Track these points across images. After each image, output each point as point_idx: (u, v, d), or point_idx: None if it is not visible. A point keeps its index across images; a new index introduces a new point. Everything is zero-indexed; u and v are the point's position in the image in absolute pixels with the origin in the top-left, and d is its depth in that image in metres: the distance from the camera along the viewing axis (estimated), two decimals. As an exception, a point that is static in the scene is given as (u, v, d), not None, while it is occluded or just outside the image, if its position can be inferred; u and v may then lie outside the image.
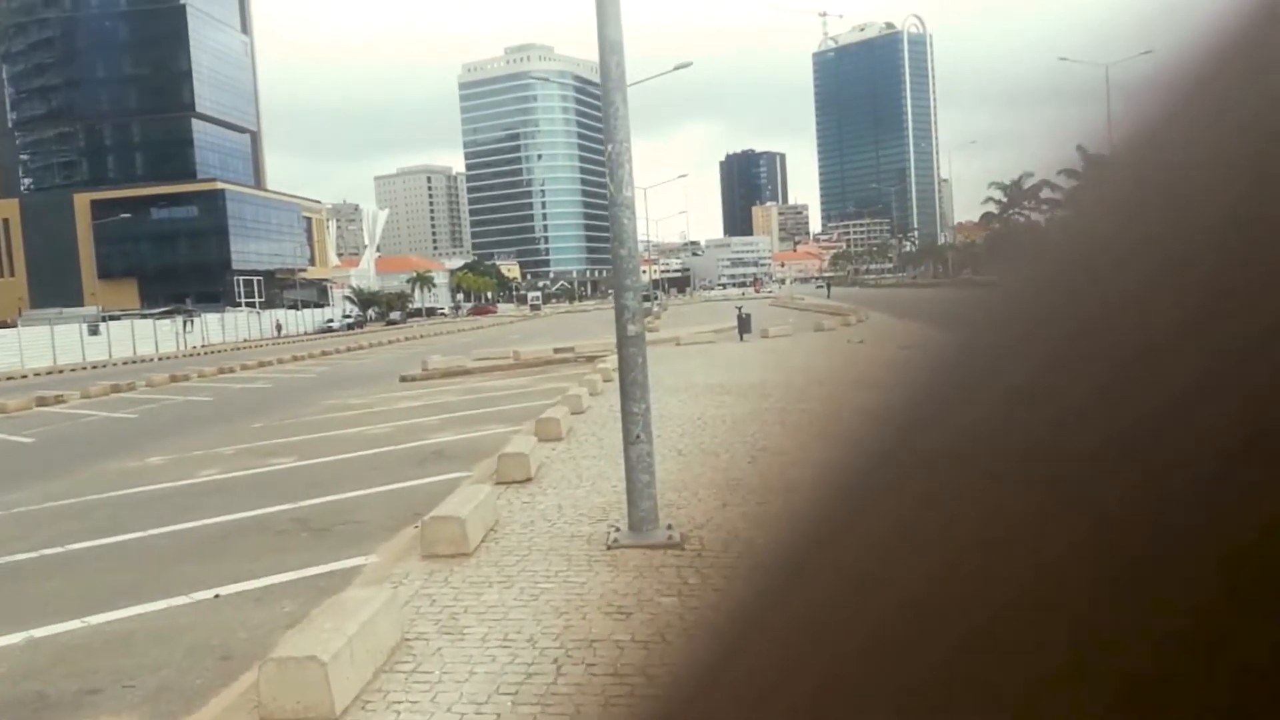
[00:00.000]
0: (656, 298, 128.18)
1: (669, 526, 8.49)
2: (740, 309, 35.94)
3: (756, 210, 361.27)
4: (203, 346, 69.97)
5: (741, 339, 33.78)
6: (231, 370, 40.39)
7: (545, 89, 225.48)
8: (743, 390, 19.00)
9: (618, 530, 8.63)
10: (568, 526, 9.21)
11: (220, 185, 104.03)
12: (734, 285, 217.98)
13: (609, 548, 8.27)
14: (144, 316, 72.28)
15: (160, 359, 56.74)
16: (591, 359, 28.85)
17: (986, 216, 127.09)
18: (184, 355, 60.85)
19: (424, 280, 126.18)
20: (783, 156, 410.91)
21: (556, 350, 33.20)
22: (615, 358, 27.12)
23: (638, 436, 8.30)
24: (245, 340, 78.81)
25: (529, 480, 11.32)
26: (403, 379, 28.99)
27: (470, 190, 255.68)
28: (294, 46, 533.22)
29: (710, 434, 13.77)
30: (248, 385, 32.82)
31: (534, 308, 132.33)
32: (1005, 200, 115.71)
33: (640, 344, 8.48)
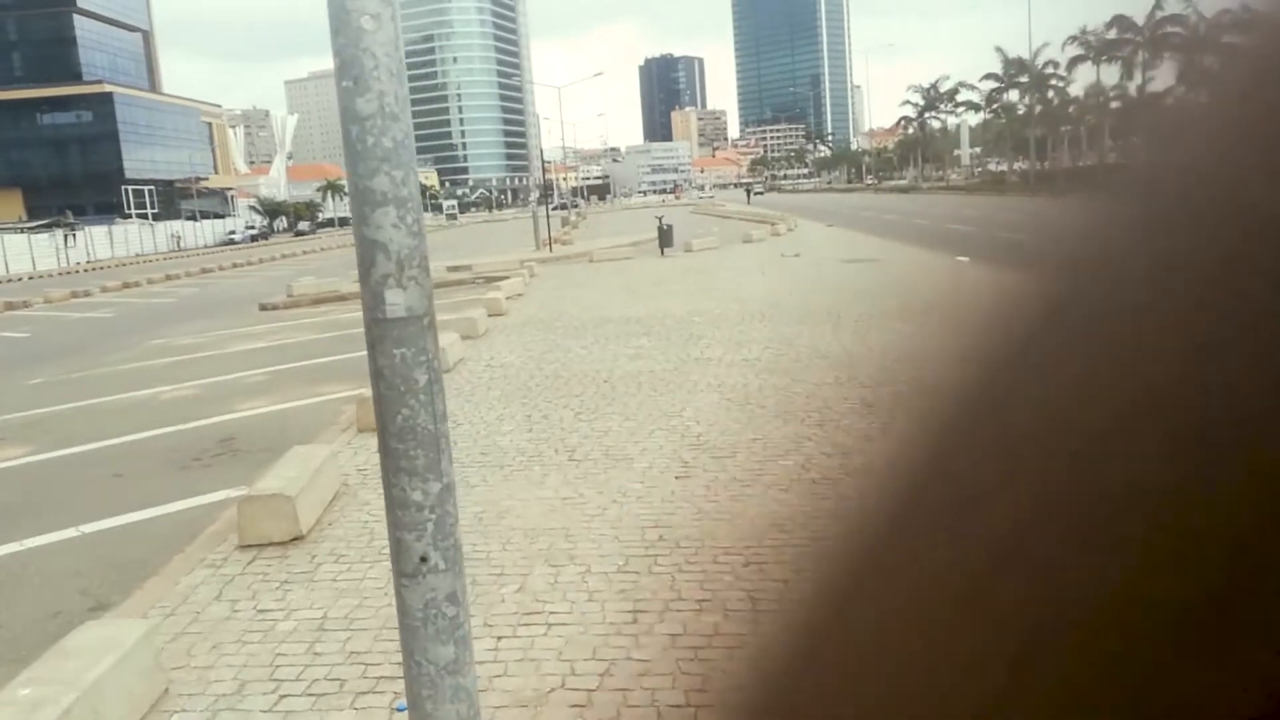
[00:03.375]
0: (576, 205, 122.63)
1: None
2: (661, 219, 31.06)
3: (676, 115, 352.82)
4: (88, 263, 63.25)
5: (663, 253, 28.99)
6: (87, 294, 34.62)
7: None
8: (667, 328, 14.36)
9: None
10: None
11: (109, 88, 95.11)
12: (655, 192, 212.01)
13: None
14: (19, 230, 65.19)
15: (35, 277, 50.36)
16: (491, 280, 23.98)
17: (903, 120, 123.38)
18: (62, 273, 54.42)
19: (335, 189, 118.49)
20: (701, 61, 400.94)
21: (451, 269, 28.18)
22: (516, 278, 22.27)
23: (422, 559, 3.41)
24: (138, 255, 72.06)
25: (297, 540, 6.44)
26: (262, 307, 23.86)
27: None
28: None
29: (618, 417, 9.12)
30: (87, 314, 27.36)
31: (450, 217, 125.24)
32: (922, 104, 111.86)
33: (424, 340, 3.38)
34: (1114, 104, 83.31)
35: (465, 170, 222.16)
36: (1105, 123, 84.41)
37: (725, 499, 6.51)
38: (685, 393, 9.90)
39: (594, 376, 11.00)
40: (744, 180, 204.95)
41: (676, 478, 7.04)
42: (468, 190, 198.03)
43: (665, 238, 29.48)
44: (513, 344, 13.88)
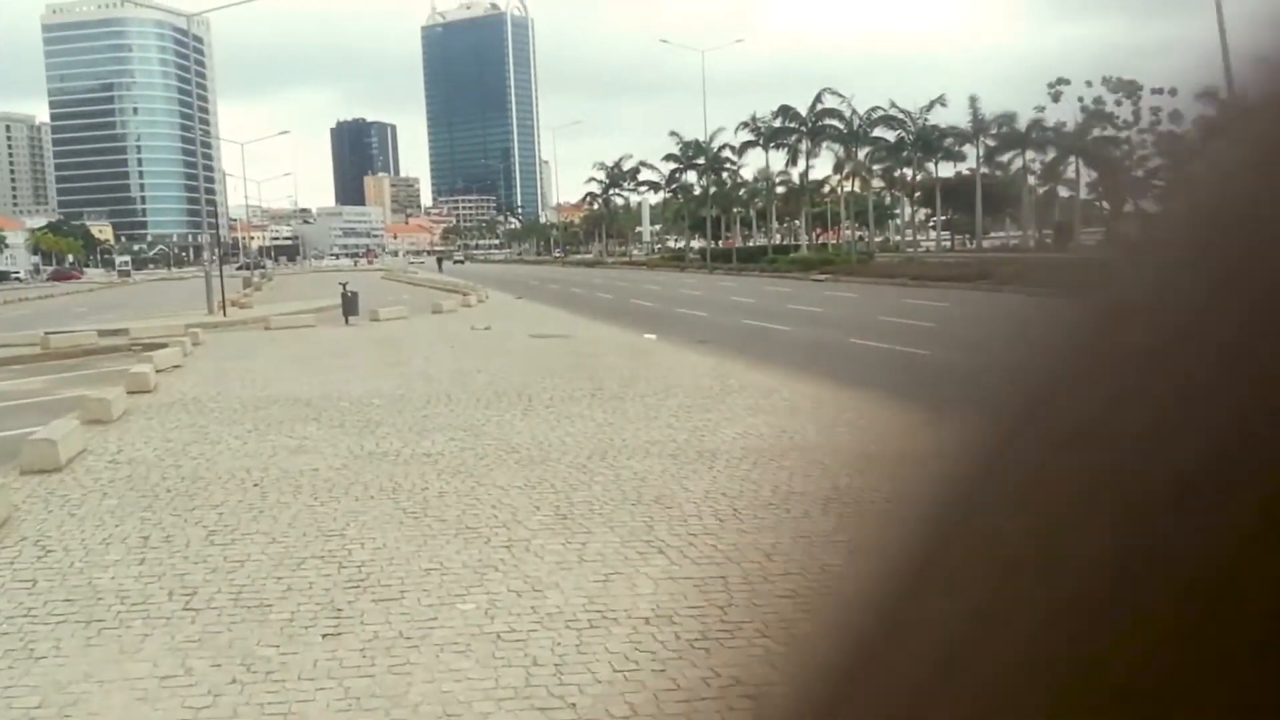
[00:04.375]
0: (264, 266, 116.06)
1: None
2: (345, 285, 28.75)
3: (369, 180, 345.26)
4: None
5: (347, 322, 26.80)
6: None
7: (143, 38, 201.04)
8: (341, 411, 12.49)
9: None
10: None
11: None
12: (346, 255, 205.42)
13: None
14: None
15: None
16: (151, 347, 21.03)
17: (589, 196, 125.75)
18: None
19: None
20: (394, 128, 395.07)
21: (103, 334, 24.76)
22: (175, 347, 19.48)
23: None
24: None
25: None
26: None
27: (56, 143, 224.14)
28: None
29: (263, 538, 7.20)
30: None
31: (122, 273, 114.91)
32: (606, 181, 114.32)
33: None
34: (780, 188, 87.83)
35: (144, 224, 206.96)
36: (773, 205, 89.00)
37: (384, 668, 4.89)
38: (352, 500, 8.16)
39: (243, 478, 9.02)
40: (437, 248, 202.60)
41: (324, 635, 5.33)
42: (145, 246, 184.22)
43: (349, 305, 27.28)
44: (152, 432, 11.55)
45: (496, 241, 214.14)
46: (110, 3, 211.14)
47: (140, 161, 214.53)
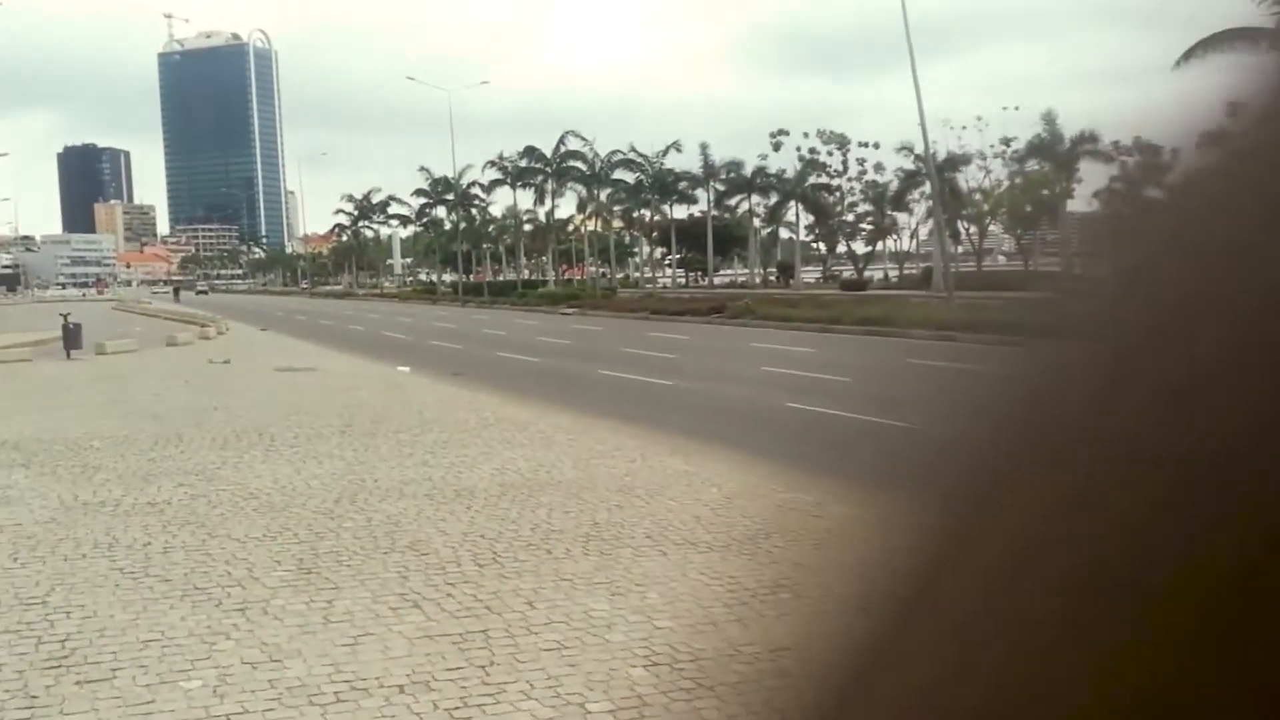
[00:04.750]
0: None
1: None
2: (66, 316, 26.07)
3: (100, 208, 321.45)
4: None
5: (69, 355, 24.32)
6: None
7: None
8: (55, 456, 11.01)
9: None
10: None
11: None
12: (75, 285, 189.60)
13: None
14: None
15: None
16: None
17: (337, 228, 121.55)
18: None
19: None
20: (127, 154, 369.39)
21: None
22: None
23: None
24: None
25: None
26: None
27: None
28: None
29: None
30: None
31: None
32: (356, 213, 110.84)
33: None
34: (527, 225, 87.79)
35: None
36: (521, 241, 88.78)
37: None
38: (60, 560, 7.04)
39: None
40: (175, 277, 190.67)
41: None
42: None
43: (71, 337, 24.74)
44: None
45: (239, 272, 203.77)
46: None
47: None
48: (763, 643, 5.95)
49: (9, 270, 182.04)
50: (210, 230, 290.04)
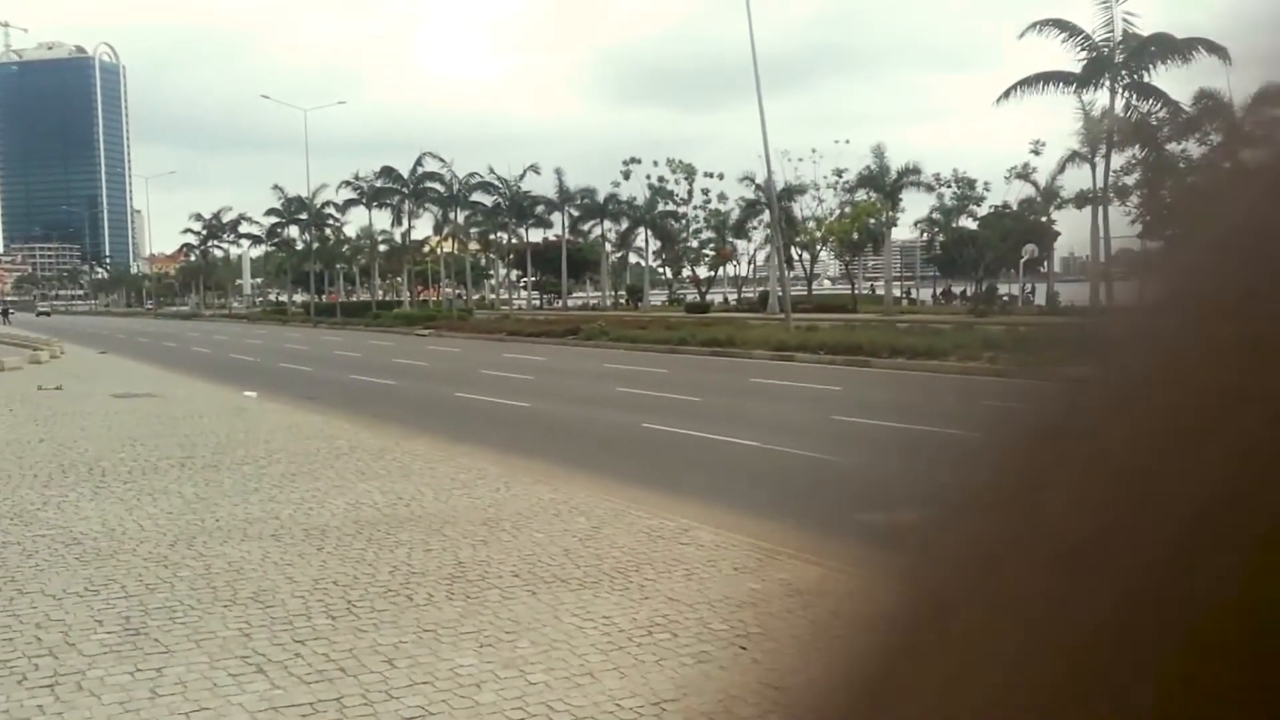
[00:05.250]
0: None
1: None
2: (-125, 341, 23.74)
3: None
4: None
5: (-126, 383, 22.08)
6: None
7: None
8: None
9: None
10: None
11: None
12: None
13: None
14: None
15: None
16: None
17: (185, 247, 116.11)
18: None
19: None
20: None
21: None
22: None
23: None
24: None
25: None
26: None
27: None
28: None
29: None
30: None
31: None
32: (204, 233, 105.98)
33: None
34: (383, 246, 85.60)
35: None
36: (375, 262, 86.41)
37: None
38: None
39: None
40: (8, 298, 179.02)
41: None
42: None
43: (-120, 364, 22.54)
44: None
45: (81, 292, 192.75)
46: None
47: None
48: (644, 694, 5.38)
49: None
50: (49, 249, 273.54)
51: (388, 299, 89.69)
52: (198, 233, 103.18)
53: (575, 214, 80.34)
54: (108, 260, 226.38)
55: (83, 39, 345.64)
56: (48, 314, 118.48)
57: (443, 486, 10.46)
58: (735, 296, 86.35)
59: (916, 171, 61.39)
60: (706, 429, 15.34)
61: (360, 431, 14.79)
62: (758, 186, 67.14)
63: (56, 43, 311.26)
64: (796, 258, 73.28)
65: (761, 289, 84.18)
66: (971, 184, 64.92)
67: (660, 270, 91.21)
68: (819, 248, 74.42)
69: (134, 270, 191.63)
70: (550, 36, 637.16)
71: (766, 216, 69.76)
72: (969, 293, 72.17)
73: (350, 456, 12.36)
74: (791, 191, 67.24)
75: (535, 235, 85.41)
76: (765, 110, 38.61)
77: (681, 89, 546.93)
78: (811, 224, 70.67)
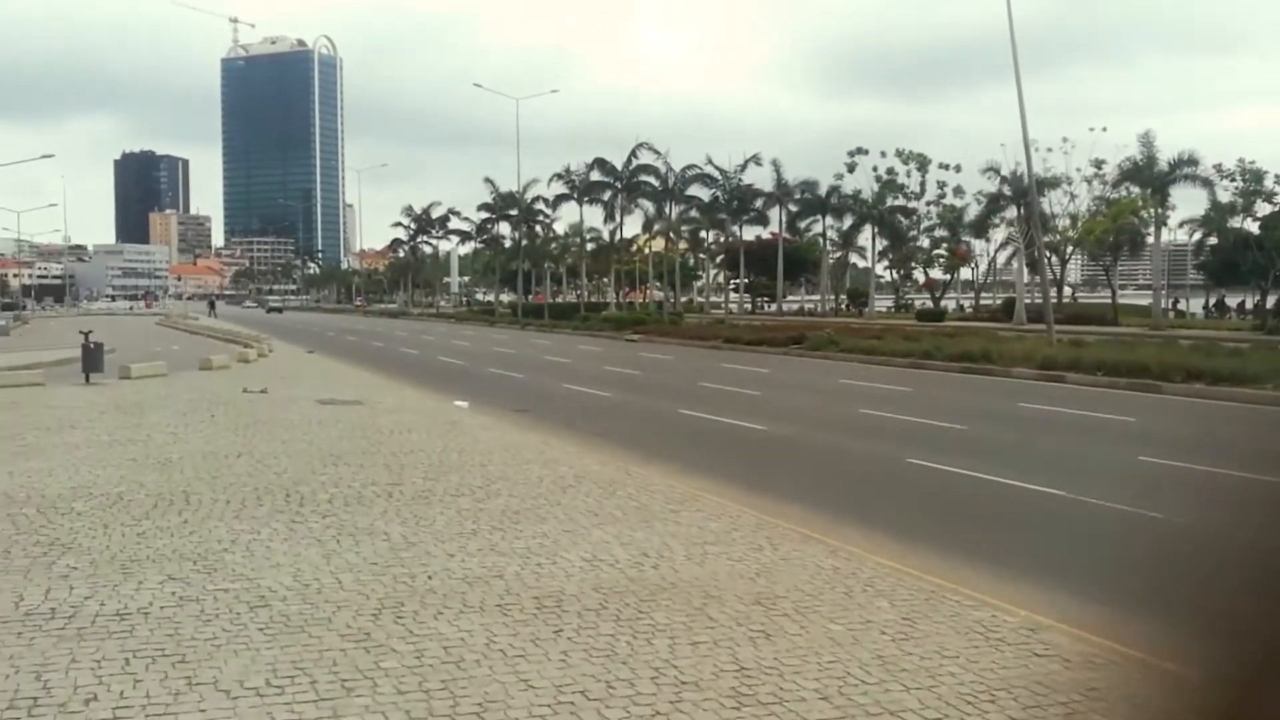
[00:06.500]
0: (25, 307, 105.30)
1: None
2: (88, 335, 24.04)
3: (155, 217, 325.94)
4: None
5: (87, 380, 22.43)
6: None
7: None
8: (19, 525, 8.72)
9: None
10: None
11: None
12: (125, 297, 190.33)
13: None
14: None
15: None
16: None
17: (395, 243, 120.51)
18: None
19: None
20: (186, 162, 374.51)
21: None
22: None
23: None
24: None
25: None
26: None
27: None
28: None
29: None
30: None
31: None
32: (414, 228, 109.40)
33: None
34: (590, 244, 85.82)
35: None
36: (584, 261, 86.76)
37: None
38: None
39: None
40: (227, 291, 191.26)
41: None
42: None
43: (91, 359, 22.81)
44: None
45: (293, 287, 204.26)
46: None
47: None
48: None
49: (57, 280, 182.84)
50: (265, 243, 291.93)
51: (593, 300, 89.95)
52: (407, 228, 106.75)
53: (793, 210, 77.98)
54: (319, 255, 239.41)
55: (302, 32, 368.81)
56: (280, 310, 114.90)
57: (692, 539, 8.88)
58: (971, 303, 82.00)
59: (1193, 163, 55.85)
60: (986, 468, 13.26)
61: (584, 456, 13.48)
62: (1003, 179, 63.17)
63: (279, 37, 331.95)
64: (1046, 260, 68.59)
65: (1006, 295, 79.47)
66: (1259, 176, 58.02)
67: (881, 274, 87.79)
68: (1069, 249, 69.37)
69: (344, 266, 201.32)
70: (753, 22, 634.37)
71: (1010, 213, 65.73)
72: (1246, 304, 65.57)
73: (577, 489, 11.00)
74: (1042, 185, 62.81)
75: (748, 233, 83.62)
76: (1007, 94, 35.30)
77: (896, 78, 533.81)
78: (1063, 222, 65.76)
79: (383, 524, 9.06)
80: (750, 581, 7.65)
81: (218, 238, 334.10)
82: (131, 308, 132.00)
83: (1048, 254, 67.61)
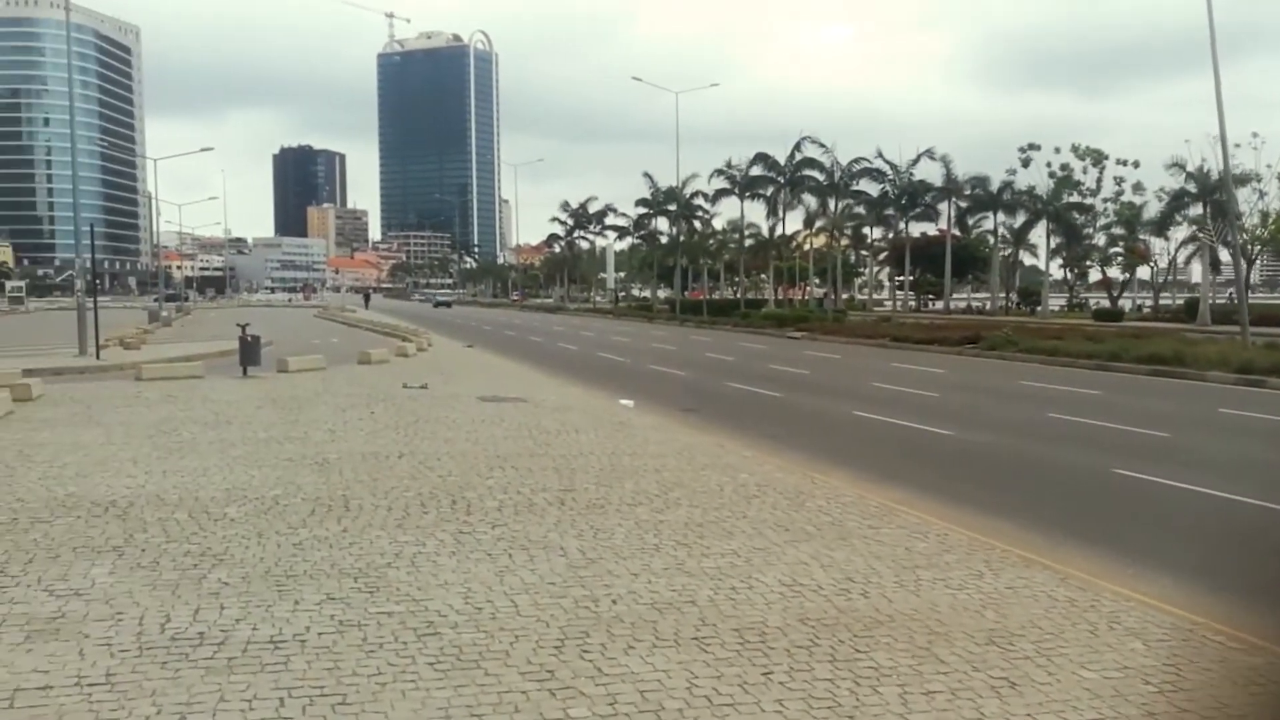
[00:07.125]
0: (187, 298, 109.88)
1: None
2: (245, 328, 24.14)
3: (312, 211, 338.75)
4: None
5: (245, 372, 22.69)
6: None
7: (57, 41, 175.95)
8: (169, 532, 8.39)
9: None
10: None
11: None
12: (283, 289, 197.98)
13: None
14: None
15: None
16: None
17: (551, 238, 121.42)
18: None
19: None
20: (343, 157, 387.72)
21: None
22: None
23: None
24: None
25: None
26: None
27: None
28: None
29: None
30: None
31: (14, 299, 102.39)
32: (571, 223, 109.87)
33: None
34: (748, 239, 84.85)
35: (51, 247, 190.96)
36: (742, 257, 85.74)
37: None
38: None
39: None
40: (384, 284, 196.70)
41: None
42: (52, 271, 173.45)
43: (248, 353, 22.91)
44: None
45: (449, 281, 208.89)
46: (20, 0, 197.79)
47: (50, 178, 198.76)
48: None
49: (220, 273, 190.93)
50: (421, 237, 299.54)
51: (751, 296, 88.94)
52: (564, 223, 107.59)
53: (962, 205, 76.09)
54: (476, 250, 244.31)
55: (458, 28, 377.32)
56: (449, 305, 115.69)
57: (900, 561, 7.99)
58: (1149, 303, 78.14)
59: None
60: (1208, 482, 12.07)
61: (763, 461, 12.72)
62: (1188, 175, 60.29)
63: (435, 31, 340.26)
64: (1226, 260, 65.36)
65: (1187, 295, 76.18)
66: None
67: (1052, 272, 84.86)
68: (1255, 249, 65.54)
69: (500, 260, 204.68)
70: (919, 15, 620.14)
71: (1193, 211, 62.97)
72: None
73: (762, 499, 10.22)
74: (1233, 182, 59.35)
75: (913, 230, 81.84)
76: (1187, 89, 32.78)
77: (1069, 71, 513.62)
78: (1252, 220, 62.15)
79: (557, 536, 8.44)
80: (978, 615, 6.72)
81: (374, 231, 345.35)
82: (290, 299, 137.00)
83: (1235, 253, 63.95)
